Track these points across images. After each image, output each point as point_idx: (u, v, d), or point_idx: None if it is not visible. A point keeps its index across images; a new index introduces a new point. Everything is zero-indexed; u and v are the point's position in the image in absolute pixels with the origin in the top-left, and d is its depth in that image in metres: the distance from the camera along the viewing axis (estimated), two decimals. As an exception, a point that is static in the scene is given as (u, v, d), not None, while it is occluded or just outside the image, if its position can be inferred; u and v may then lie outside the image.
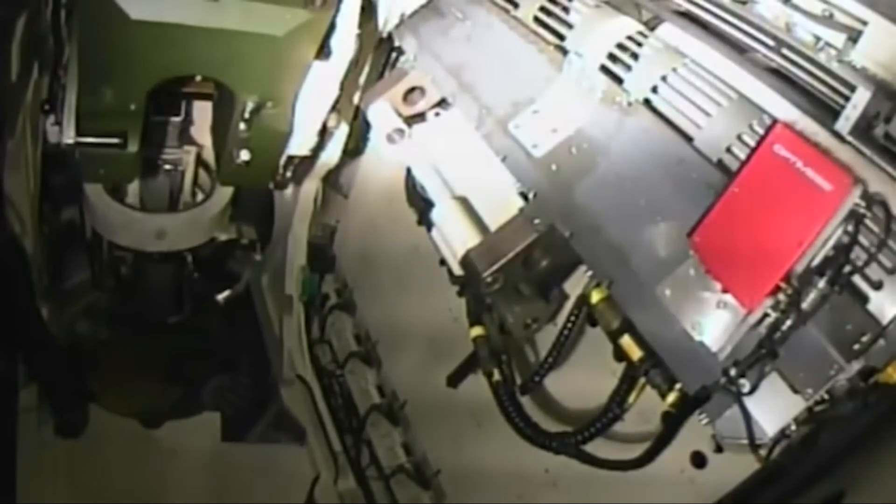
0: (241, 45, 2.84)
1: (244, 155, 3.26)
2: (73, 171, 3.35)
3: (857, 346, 1.69)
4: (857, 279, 1.74)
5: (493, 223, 2.60)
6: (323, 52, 3.03)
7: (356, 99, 3.44)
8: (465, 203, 2.74)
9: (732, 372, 1.80)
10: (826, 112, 1.98)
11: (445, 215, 2.73)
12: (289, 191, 4.01)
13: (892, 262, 1.71)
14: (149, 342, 4.33)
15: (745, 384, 1.80)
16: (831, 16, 1.94)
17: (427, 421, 3.55)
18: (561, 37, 2.66)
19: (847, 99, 1.90)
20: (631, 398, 2.24)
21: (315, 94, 3.20)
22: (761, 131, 1.95)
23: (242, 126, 3.12)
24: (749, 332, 1.83)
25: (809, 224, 1.70)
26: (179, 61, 2.91)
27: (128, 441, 3.80)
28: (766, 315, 1.79)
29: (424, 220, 2.97)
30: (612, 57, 2.46)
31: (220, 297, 4.53)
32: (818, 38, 1.99)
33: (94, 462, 3.62)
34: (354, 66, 3.22)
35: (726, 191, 1.88)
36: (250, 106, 3.06)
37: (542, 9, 2.76)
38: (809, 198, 1.71)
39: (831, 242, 1.73)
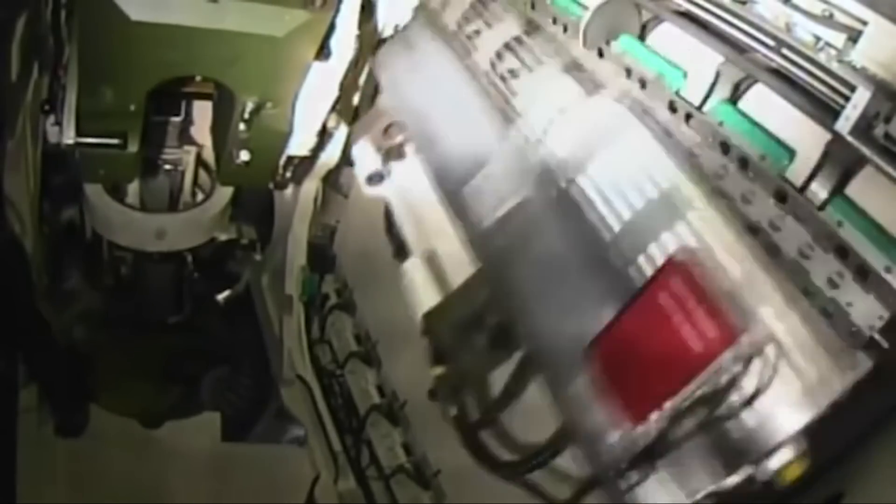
0: (240, 45, 2.84)
1: (244, 155, 3.26)
2: (74, 171, 3.35)
3: (739, 461, 1.72)
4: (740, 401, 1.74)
5: (456, 277, 2.71)
6: (323, 52, 3.04)
7: (356, 99, 3.44)
8: (432, 259, 2.87)
9: (623, 466, 1.86)
10: (826, 112, 1.98)
11: (412, 273, 2.88)
12: (289, 191, 4.01)
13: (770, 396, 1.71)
14: (144, 343, 4.34)
15: (633, 478, 1.87)
16: (831, 16, 1.94)
17: (427, 421, 3.55)
18: (512, 93, 2.62)
19: (847, 99, 1.89)
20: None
21: (315, 95, 3.20)
22: (682, 232, 1.95)
23: (242, 126, 3.13)
24: (638, 439, 1.85)
25: (694, 363, 1.72)
26: (179, 62, 2.91)
27: (128, 441, 3.80)
28: (652, 427, 1.81)
29: (398, 255, 3.07)
30: (551, 128, 2.40)
31: (220, 297, 4.54)
32: (818, 38, 1.99)
33: (94, 462, 3.62)
34: (354, 66, 3.22)
35: (626, 311, 1.91)
36: (250, 106, 3.07)
37: (498, 56, 2.72)
38: (697, 338, 1.73)
39: (715, 379, 1.73)
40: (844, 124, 1.86)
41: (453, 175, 2.71)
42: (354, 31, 3.04)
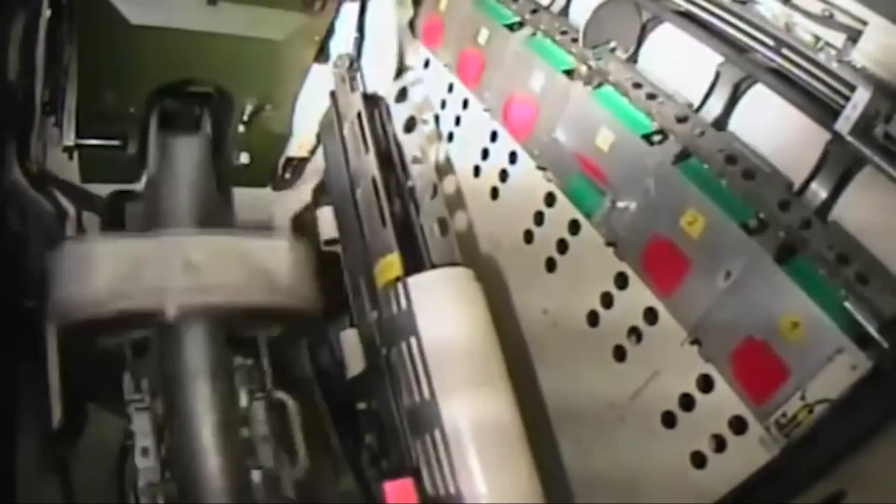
0: (240, 49, 2.84)
1: (244, 157, 3.26)
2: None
3: None
4: None
5: None
6: (322, 55, 3.04)
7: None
8: None
9: None
10: (826, 112, 1.98)
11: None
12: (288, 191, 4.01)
13: None
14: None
15: None
16: (831, 16, 1.94)
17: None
18: None
19: (847, 99, 1.90)
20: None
21: (314, 97, 3.20)
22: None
23: (242, 129, 3.13)
24: None
25: None
26: (179, 65, 2.91)
27: (128, 441, 3.79)
28: None
29: None
30: None
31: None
32: (818, 38, 1.99)
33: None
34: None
35: None
36: (249, 109, 3.07)
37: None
38: None
39: None
40: (844, 124, 1.87)
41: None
42: (353, 33, 3.04)
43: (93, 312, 2.50)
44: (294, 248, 2.79)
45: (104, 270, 2.52)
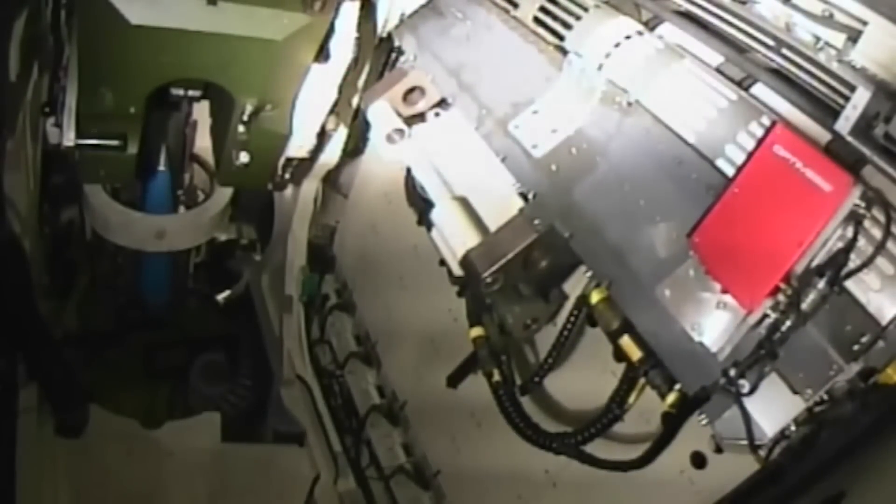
0: (240, 49, 2.84)
1: (244, 157, 3.25)
2: (73, 172, 3.36)
3: (856, 347, 1.69)
4: (856, 280, 1.74)
5: (493, 223, 2.60)
6: (322, 55, 3.04)
7: (355, 101, 3.44)
8: (464, 203, 2.75)
9: (732, 372, 1.80)
10: (826, 112, 1.98)
11: (445, 215, 2.73)
12: (289, 191, 4.01)
13: (891, 264, 1.71)
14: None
15: (745, 385, 1.80)
16: (831, 16, 1.94)
17: (427, 421, 3.55)
18: (560, 37, 2.65)
19: (847, 99, 1.90)
20: (631, 399, 2.24)
21: (314, 97, 3.20)
22: (761, 133, 1.95)
23: (241, 129, 3.12)
24: (749, 333, 1.83)
25: (809, 224, 1.70)
26: (179, 65, 2.91)
27: (128, 441, 3.80)
28: (765, 316, 1.79)
29: (424, 221, 2.98)
30: (611, 57, 2.45)
31: (220, 297, 4.54)
32: (818, 38, 1.99)
33: (94, 462, 3.61)
34: (353, 68, 3.22)
35: (726, 191, 1.88)
36: (249, 109, 3.06)
37: (542, 9, 2.76)
38: (809, 198, 1.71)
39: (831, 243, 1.73)
40: (844, 124, 1.87)
41: (496, 116, 2.71)
42: (353, 33, 3.04)
43: None
44: None
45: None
